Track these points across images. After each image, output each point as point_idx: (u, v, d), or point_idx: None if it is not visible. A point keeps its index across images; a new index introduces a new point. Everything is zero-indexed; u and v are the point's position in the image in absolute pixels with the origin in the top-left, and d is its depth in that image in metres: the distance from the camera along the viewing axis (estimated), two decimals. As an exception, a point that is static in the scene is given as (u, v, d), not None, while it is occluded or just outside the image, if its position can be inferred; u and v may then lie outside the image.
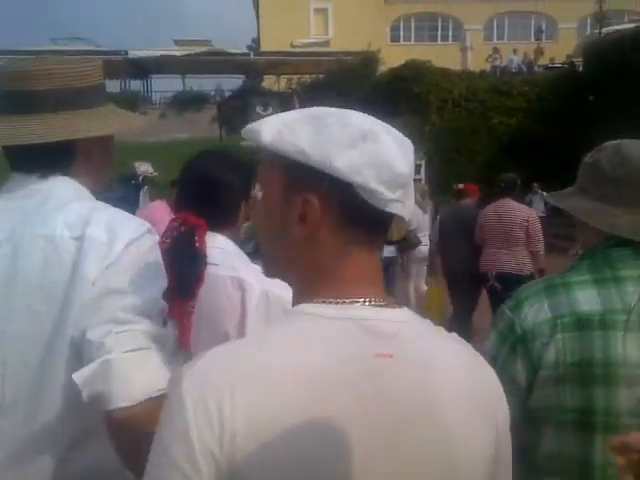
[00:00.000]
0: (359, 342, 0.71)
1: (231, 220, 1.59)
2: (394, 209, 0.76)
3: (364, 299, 0.75)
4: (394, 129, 0.79)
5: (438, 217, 6.34)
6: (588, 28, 25.68)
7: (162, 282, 1.11)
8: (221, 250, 1.50)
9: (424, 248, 6.83)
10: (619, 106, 14.67)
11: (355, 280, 0.76)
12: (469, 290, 5.62)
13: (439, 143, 15.63)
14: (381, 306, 0.76)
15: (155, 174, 10.40)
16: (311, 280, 0.77)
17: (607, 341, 1.12)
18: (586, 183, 1.27)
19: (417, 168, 15.39)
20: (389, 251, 10.50)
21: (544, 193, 14.19)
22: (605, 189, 1.21)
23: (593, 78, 16.38)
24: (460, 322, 5.55)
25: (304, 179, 0.74)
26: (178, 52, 23.79)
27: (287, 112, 0.80)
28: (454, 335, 0.83)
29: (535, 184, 14.41)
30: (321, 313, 0.73)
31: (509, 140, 16.59)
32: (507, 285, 4.95)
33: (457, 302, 5.85)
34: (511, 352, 1.20)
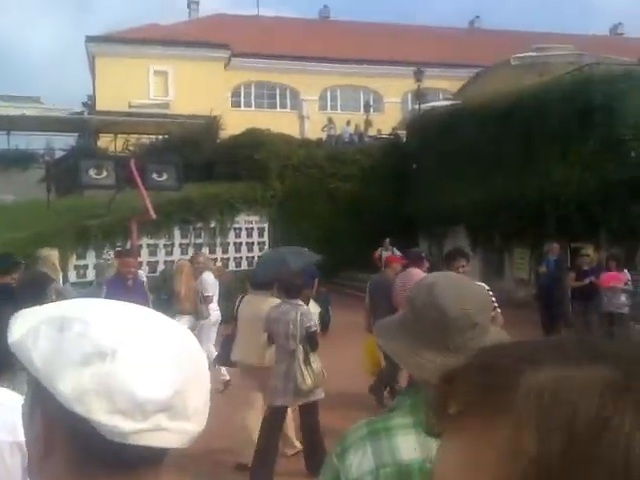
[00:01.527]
0: None
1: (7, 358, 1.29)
2: (145, 441, 0.60)
3: None
4: (176, 340, 0.66)
5: (369, 284, 7.19)
6: (409, 103, 28.55)
7: None
8: None
9: (215, 314, 7.62)
10: (435, 174, 16.36)
11: None
12: None
13: (282, 206, 16.13)
14: None
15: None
16: None
17: None
18: (405, 319, 1.26)
19: (262, 231, 15.70)
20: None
21: (394, 248, 15.21)
22: (419, 330, 1.20)
23: (414, 149, 18.14)
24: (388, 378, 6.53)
25: (40, 393, 0.63)
26: (2, 108, 22.11)
27: (48, 306, 0.68)
28: None
29: (387, 240, 15.35)
30: None
31: (346, 204, 17.62)
32: None
33: (387, 362, 6.42)
34: None
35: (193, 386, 0.64)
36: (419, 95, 22.22)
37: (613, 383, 0.35)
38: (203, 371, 0.67)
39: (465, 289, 1.24)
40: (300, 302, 4.69)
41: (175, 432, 0.62)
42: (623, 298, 9.35)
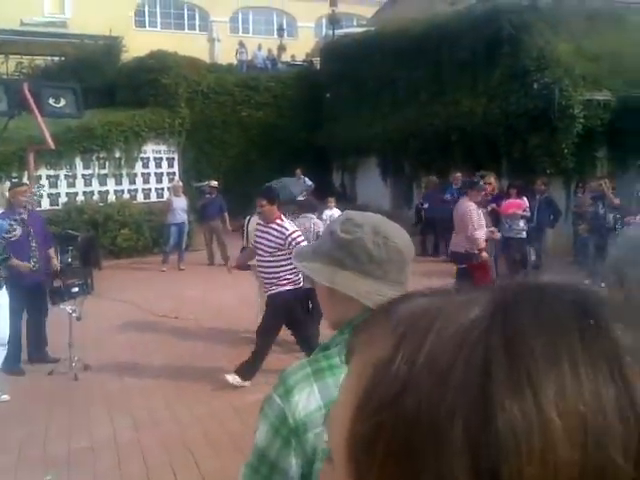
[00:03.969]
0: None
1: None
2: None
3: None
4: None
5: None
6: (324, 28, 27.83)
7: None
8: None
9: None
10: (349, 104, 16.26)
11: None
12: None
13: (191, 135, 15.51)
14: None
15: None
16: None
17: None
18: (349, 260, 1.25)
19: (171, 161, 15.10)
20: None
21: (306, 178, 15.21)
22: (371, 268, 1.23)
23: (328, 77, 17.87)
24: None
25: None
26: None
27: None
28: None
29: (298, 170, 15.30)
30: None
31: (258, 132, 17.26)
32: None
33: None
34: (284, 445, 1.14)
35: None
36: (333, 20, 21.66)
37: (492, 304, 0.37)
38: None
39: (401, 229, 1.33)
40: (313, 216, 6.25)
41: None
42: (522, 224, 9.92)
